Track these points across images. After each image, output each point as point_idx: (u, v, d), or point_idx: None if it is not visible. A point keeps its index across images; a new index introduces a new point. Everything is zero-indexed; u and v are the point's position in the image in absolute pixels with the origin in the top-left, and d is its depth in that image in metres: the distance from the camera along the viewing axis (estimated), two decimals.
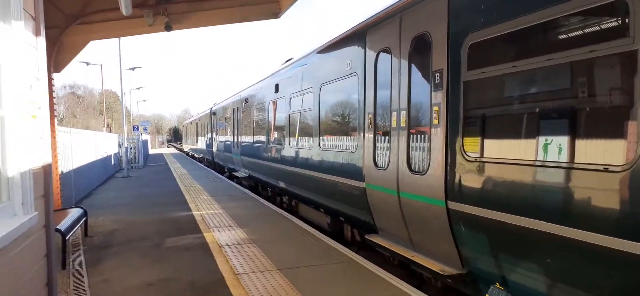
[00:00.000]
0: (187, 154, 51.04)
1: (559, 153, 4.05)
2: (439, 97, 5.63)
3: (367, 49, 7.58)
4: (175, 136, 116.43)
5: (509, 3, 4.59)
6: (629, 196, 3.51)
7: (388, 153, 6.88)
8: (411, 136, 6.33)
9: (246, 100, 17.90)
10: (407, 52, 6.42)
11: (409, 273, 7.01)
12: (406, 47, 6.44)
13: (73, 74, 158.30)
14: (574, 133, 3.96)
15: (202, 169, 28.04)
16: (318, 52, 10.07)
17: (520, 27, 4.44)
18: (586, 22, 3.94)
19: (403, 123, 6.47)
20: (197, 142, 40.21)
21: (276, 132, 13.53)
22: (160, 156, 48.21)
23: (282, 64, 13.68)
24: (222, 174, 23.66)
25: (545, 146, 4.20)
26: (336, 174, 8.72)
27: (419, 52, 6.16)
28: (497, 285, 4.92)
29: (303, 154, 10.79)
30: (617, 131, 3.64)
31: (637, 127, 3.45)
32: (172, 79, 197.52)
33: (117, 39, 24.95)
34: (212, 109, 29.13)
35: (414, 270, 6.70)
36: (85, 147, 16.19)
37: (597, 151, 3.78)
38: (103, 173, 21.51)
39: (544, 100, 4.35)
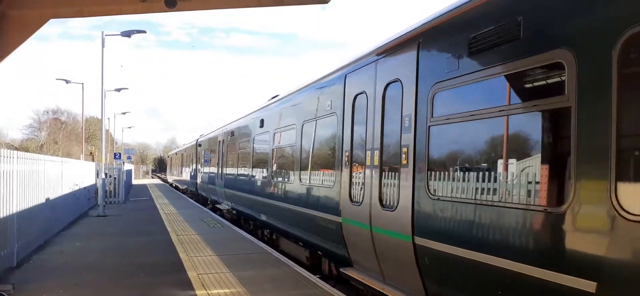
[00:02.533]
0: (171, 185, 49.85)
1: (507, 193, 4.59)
2: (408, 139, 6.09)
3: (345, 91, 8.06)
4: (160, 166, 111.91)
5: (469, 58, 5.13)
6: (566, 233, 3.96)
7: (362, 189, 7.26)
8: (383, 173, 6.76)
9: (232, 133, 18.25)
10: (381, 96, 6.93)
11: None
12: (380, 91, 6.95)
13: (57, 98, 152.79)
14: (518, 177, 4.49)
15: (193, 207, 23.62)
16: (302, 91, 10.59)
17: (477, 80, 5.00)
18: (529, 80, 4.47)
19: (376, 162, 6.91)
20: (181, 173, 40.20)
21: (260, 166, 13.68)
22: (144, 188, 43.49)
23: (268, 100, 14.12)
24: (205, 206, 23.46)
25: (493, 187, 4.76)
26: (315, 208, 9.04)
27: (392, 97, 6.68)
28: None
29: (285, 187, 11.13)
30: (555, 177, 4.14)
31: (570, 173, 3.90)
32: (161, 106, 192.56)
33: (100, 41, 20.83)
34: (198, 140, 29.26)
35: None
36: (40, 179, 11.89)
37: (538, 193, 4.25)
38: (73, 210, 17.05)
39: (492, 146, 4.95)
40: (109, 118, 77.19)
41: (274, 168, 12.20)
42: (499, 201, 4.66)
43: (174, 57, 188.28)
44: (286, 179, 11.07)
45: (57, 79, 34.63)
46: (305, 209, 9.54)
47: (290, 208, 10.42)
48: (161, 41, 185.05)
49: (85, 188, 20.76)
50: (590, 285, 3.59)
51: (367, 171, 7.14)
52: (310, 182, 9.58)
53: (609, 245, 3.57)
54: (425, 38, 6.02)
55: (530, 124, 4.52)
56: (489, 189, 4.83)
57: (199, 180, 27.74)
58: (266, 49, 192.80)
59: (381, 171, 6.78)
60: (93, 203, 21.92)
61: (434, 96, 5.66)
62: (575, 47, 3.92)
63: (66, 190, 15.71)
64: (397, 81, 6.52)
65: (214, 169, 22.15)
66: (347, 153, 7.88)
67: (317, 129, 9.46)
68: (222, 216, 18.78)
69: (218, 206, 20.61)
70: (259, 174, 13.55)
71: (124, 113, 55.34)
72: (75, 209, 17.55)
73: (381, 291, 6.64)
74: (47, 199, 12.68)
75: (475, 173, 5.05)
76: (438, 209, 5.47)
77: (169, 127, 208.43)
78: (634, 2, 3.54)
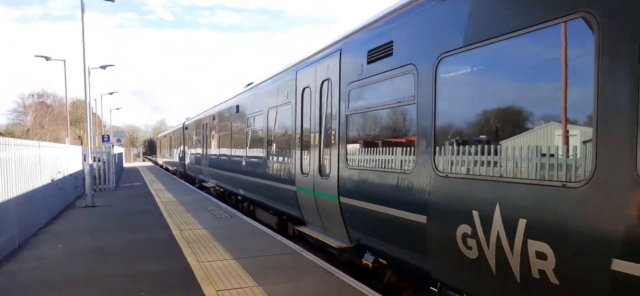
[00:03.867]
0: (161, 166, 51.92)
1: (388, 163, 6.46)
2: (335, 124, 8.06)
3: (296, 84, 9.94)
4: (151, 149, 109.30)
5: (367, 66, 6.96)
6: (413, 187, 5.78)
7: (309, 163, 9.17)
8: (321, 151, 8.68)
9: (214, 117, 20.01)
10: (318, 91, 8.82)
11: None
12: (318, 87, 8.83)
13: (42, 82, 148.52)
14: (394, 152, 6.33)
15: (192, 192, 21.43)
16: (267, 81, 12.46)
17: (371, 83, 6.92)
18: (397, 84, 6.24)
19: (317, 142, 8.85)
20: (171, 155, 41.82)
21: (236, 146, 15.55)
22: (136, 172, 41.11)
23: (244, 87, 15.61)
24: (193, 185, 25.07)
25: (382, 159, 6.63)
26: (279, 181, 10.97)
27: (325, 92, 8.54)
28: (368, 253, 7.24)
29: (256, 164, 12.95)
30: (406, 151, 6.03)
31: (414, 149, 5.79)
32: (148, 87, 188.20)
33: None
34: (185, 124, 30.88)
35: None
36: (10, 168, 9.67)
37: (401, 163, 6.17)
38: (56, 201, 14.81)
39: (380, 129, 6.89)
40: (95, 99, 74.33)
41: (248, 148, 14.06)
42: (383, 168, 6.53)
43: (159, 37, 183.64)
44: (257, 158, 12.97)
45: (36, 56, 31.81)
46: (272, 182, 11.48)
47: (261, 182, 12.48)
48: (145, 20, 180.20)
49: (71, 175, 18.47)
50: (423, 218, 5.57)
51: (312, 149, 9.05)
52: (275, 159, 11.42)
53: (431, 193, 5.47)
54: (345, 47, 7.86)
55: (398, 115, 6.40)
56: (379, 160, 6.69)
57: (187, 161, 29.57)
58: (253, 26, 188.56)
59: (320, 148, 8.70)
60: (81, 191, 19.64)
61: (349, 93, 7.59)
62: (418, 62, 5.73)
63: (46, 179, 13.46)
64: (328, 79, 8.38)
65: (199, 151, 24.03)
66: (298, 135, 9.76)
67: (278, 115, 11.25)
68: (223, 200, 16.57)
69: (204, 184, 22.85)
70: (237, 154, 15.49)
71: (111, 93, 52.56)
72: (58, 201, 15.31)
73: (322, 240, 8.59)
74: (21, 194, 10.46)
75: (372, 148, 6.92)
76: (352, 176, 7.40)
77: (158, 109, 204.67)
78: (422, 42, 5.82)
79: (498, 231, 4.45)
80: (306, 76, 9.45)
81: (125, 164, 57.97)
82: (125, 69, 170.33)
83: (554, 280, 3.91)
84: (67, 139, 30.29)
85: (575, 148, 3.87)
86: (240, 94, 15.81)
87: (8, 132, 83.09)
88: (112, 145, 29.68)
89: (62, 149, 16.80)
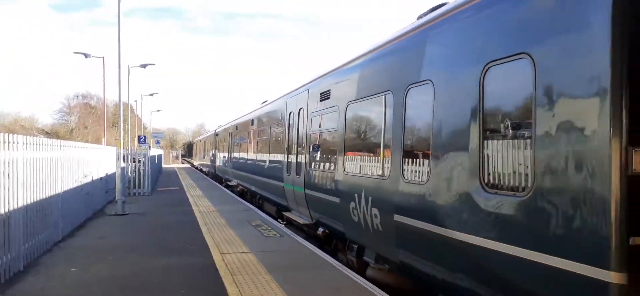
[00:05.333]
0: (196, 168, 57.22)
1: (327, 167, 9.63)
2: (303, 139, 11.49)
3: (286, 109, 13.43)
4: (189, 151, 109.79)
5: (319, 102, 10.40)
6: (336, 182, 8.86)
7: (291, 166, 12.39)
8: (297, 157, 11.87)
9: (236, 127, 24.48)
10: (296, 115, 12.24)
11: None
12: (296, 113, 12.25)
13: (86, 84, 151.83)
14: (330, 159, 9.54)
15: (231, 200, 19.38)
16: (270, 104, 16.62)
17: (320, 114, 10.38)
18: (333, 117, 9.58)
19: (295, 151, 12.16)
20: (204, 158, 47.68)
21: (250, 152, 19.90)
22: (174, 175, 39.74)
23: (260, 104, 19.29)
24: (221, 184, 29.07)
25: (325, 164, 9.82)
26: (274, 179, 14.38)
27: (301, 117, 11.83)
28: (320, 227, 10.33)
29: (262, 167, 16.72)
30: (336, 160, 9.01)
31: (338, 158, 8.90)
32: (190, 89, 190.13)
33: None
34: (216, 131, 36.21)
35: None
36: (18, 174, 7.73)
37: (331, 166, 9.36)
38: (80, 209, 12.97)
39: (323, 145, 10.30)
40: (136, 100, 74.11)
41: (257, 154, 17.88)
42: (325, 170, 9.68)
43: (199, 43, 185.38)
44: (262, 162, 16.54)
45: (75, 52, 30.73)
46: (271, 180, 14.80)
47: (265, 180, 15.91)
48: (186, 27, 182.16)
49: (101, 179, 16.71)
50: (338, 200, 8.73)
51: (291, 156, 12.55)
52: (273, 163, 14.79)
53: (341, 184, 8.66)
54: (310, 88, 11.25)
55: (331, 137, 9.67)
56: (323, 165, 9.93)
57: (216, 163, 34.16)
58: (290, 33, 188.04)
59: (296, 156, 12.04)
60: (112, 196, 17.88)
61: (311, 119, 11.02)
62: (339, 105, 9.07)
63: (69, 184, 11.59)
64: (301, 108, 11.82)
65: (226, 154, 28.20)
66: (286, 146, 13.15)
67: (277, 130, 14.81)
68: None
69: (229, 183, 26.89)
70: (250, 157, 19.50)
71: (152, 94, 51.61)
72: (84, 208, 13.47)
73: (297, 220, 11.78)
74: (32, 202, 8.52)
75: (320, 157, 10.24)
76: (312, 175, 10.50)
77: (198, 113, 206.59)
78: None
79: (364, 205, 7.54)
80: (290, 104, 13.13)
81: (164, 165, 58.32)
82: (168, 73, 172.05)
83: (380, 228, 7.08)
84: (103, 139, 28.92)
85: (385, 160, 7.09)
86: (254, 110, 20.07)
87: (53, 132, 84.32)
88: (149, 147, 28.10)
89: (91, 150, 15.02)
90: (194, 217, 14.13)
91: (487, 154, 4.76)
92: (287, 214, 12.93)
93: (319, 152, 10.37)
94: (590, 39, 3.77)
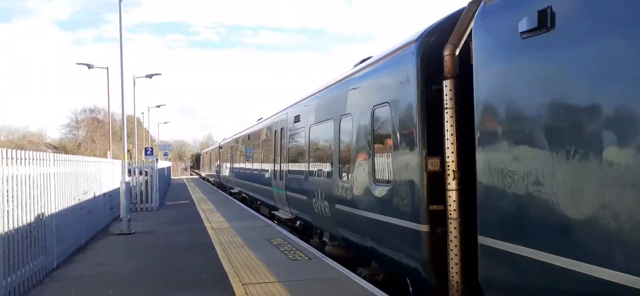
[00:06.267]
0: (204, 178, 61.21)
1: (299, 173, 12.66)
2: (284, 151, 14.44)
3: (273, 127, 16.64)
4: (198, 163, 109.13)
5: (294, 124, 13.56)
6: (304, 182, 11.85)
7: (276, 173, 15.35)
8: (281, 165, 14.71)
9: (237, 141, 28.24)
10: (280, 133, 15.30)
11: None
12: (279, 131, 15.38)
13: (94, 98, 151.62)
14: (301, 167, 12.53)
15: (247, 216, 17.90)
16: (262, 122, 20.00)
17: (295, 132, 13.51)
18: (301, 135, 12.79)
19: (279, 161, 15.08)
20: (210, 168, 51.53)
21: (248, 162, 23.52)
22: (182, 186, 38.37)
23: (256, 121, 22.70)
24: (225, 192, 32.25)
25: (297, 169, 12.84)
26: (264, 184, 17.76)
27: (282, 134, 14.91)
28: (298, 220, 12.94)
29: (256, 175, 19.99)
30: (305, 167, 11.93)
31: (307, 165, 11.76)
32: (196, 103, 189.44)
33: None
34: (220, 144, 40.29)
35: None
36: (7, 190, 6.32)
37: (302, 171, 12.31)
38: (81, 230, 11.56)
39: (297, 156, 13.01)
40: (143, 112, 73.07)
41: (253, 164, 21.36)
42: (298, 176, 12.41)
43: (205, 56, 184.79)
44: (257, 170, 19.74)
45: (77, 63, 29.51)
46: (263, 185, 18.14)
47: (258, 185, 19.34)
48: (191, 41, 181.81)
49: (105, 194, 15.31)
50: (306, 197, 11.56)
51: (277, 165, 15.38)
52: (263, 172, 18.22)
53: (307, 184, 11.56)
54: (288, 111, 14.29)
55: (300, 150, 12.52)
56: (296, 171, 12.72)
57: (221, 173, 37.64)
58: (295, 45, 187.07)
59: (280, 164, 14.81)
60: (118, 212, 16.47)
61: (289, 135, 13.92)
62: (306, 126, 12.08)
63: (66, 204, 10.18)
64: (283, 127, 14.76)
65: (228, 165, 31.87)
66: (273, 157, 16.19)
67: (267, 144, 18.10)
68: (293, 231, 13.56)
69: (232, 190, 29.92)
70: (247, 167, 23.16)
71: (159, 106, 50.49)
72: (85, 228, 12.06)
73: (282, 216, 14.57)
74: (16, 228, 7.09)
75: (294, 165, 13.05)
76: (290, 179, 13.23)
77: (205, 125, 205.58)
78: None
79: (320, 199, 10.20)
80: (275, 123, 16.18)
81: (173, 177, 58.60)
82: (174, 86, 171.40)
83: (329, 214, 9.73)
84: (108, 152, 27.58)
85: (330, 165, 9.88)
86: (250, 127, 23.73)
87: (61, 146, 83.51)
88: (157, 159, 26.71)
89: (92, 164, 13.62)
90: (207, 235, 12.65)
91: (377, 161, 7.55)
92: (276, 213, 15.75)
93: (294, 161, 13.21)
94: (408, 94, 6.39)
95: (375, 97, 7.49)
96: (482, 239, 4.90)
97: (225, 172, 33.45)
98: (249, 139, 22.81)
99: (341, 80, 9.63)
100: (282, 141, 14.67)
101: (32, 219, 7.97)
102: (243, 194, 25.36)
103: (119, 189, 16.51)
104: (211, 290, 7.32)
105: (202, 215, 17.62)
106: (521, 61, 4.40)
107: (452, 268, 5.67)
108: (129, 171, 20.28)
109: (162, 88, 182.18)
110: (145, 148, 31.63)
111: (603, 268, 3.52)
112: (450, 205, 5.66)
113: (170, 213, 19.28)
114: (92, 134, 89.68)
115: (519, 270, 4.45)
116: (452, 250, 5.65)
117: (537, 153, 4.17)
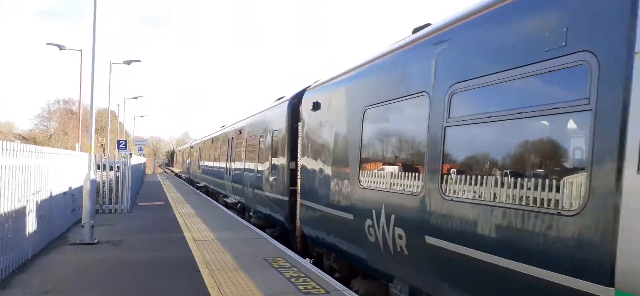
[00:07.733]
0: (176, 175, 63.65)
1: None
2: (233, 155, 19.88)
3: (226, 136, 22.06)
4: (172, 160, 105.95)
5: (238, 136, 19.69)
6: (228, 175, 20.86)
7: (227, 169, 20.72)
8: (229, 164, 20.23)
9: (204, 144, 32.70)
10: (230, 142, 20.91)
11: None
12: (230, 141, 21.13)
13: (69, 89, 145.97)
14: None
15: (237, 224, 15.59)
16: (220, 131, 25.08)
17: (237, 141, 19.79)
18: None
19: (229, 161, 20.55)
20: (182, 165, 55.89)
21: (210, 161, 27.95)
22: (156, 185, 35.67)
23: (219, 127, 27.69)
24: (193, 186, 35.70)
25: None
26: (221, 178, 22.58)
27: (229, 143, 21.02)
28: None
29: (216, 171, 24.82)
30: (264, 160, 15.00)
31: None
32: (175, 98, 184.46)
33: None
34: (191, 144, 45.30)
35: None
36: None
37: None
38: (27, 241, 9.15)
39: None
40: (118, 104, 69.56)
41: (214, 163, 26.37)
42: (241, 170, 17.69)
43: (185, 51, 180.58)
44: (217, 167, 24.84)
45: (48, 43, 26.70)
46: (220, 179, 22.83)
47: (218, 180, 24.03)
48: (171, 34, 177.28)
49: (65, 194, 12.83)
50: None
51: (227, 164, 20.33)
52: (220, 168, 23.02)
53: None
54: (235, 126, 19.98)
55: (243, 154, 17.95)
56: (239, 168, 18.29)
57: (191, 170, 41.92)
58: (283, 44, 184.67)
59: (229, 163, 19.69)
60: (80, 215, 13.93)
61: (236, 143, 19.17)
62: (244, 135, 18.15)
63: (10, 206, 7.77)
64: (232, 137, 20.18)
65: (197, 162, 36.03)
66: (225, 158, 20.82)
67: (222, 149, 23.11)
68: (290, 248, 11.38)
69: (198, 185, 34.01)
70: (210, 165, 28.14)
71: (136, 98, 47.48)
72: (35, 237, 9.63)
73: (230, 201, 19.45)
74: None
75: (239, 163, 18.14)
76: (234, 174, 18.76)
77: (183, 121, 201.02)
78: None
79: (248, 187, 16.68)
80: (229, 132, 21.76)
81: (147, 172, 58.06)
82: (153, 80, 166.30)
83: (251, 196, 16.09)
84: (77, 144, 24.87)
85: (255, 164, 16.09)
86: (214, 133, 28.47)
87: (30, 138, 79.06)
88: (130, 154, 24.10)
89: (50, 157, 11.15)
90: (188, 250, 10.34)
91: (271, 162, 13.80)
92: (227, 199, 20.56)
93: (237, 161, 18.24)
94: (283, 127, 12.64)
95: (273, 125, 13.70)
96: (301, 201, 10.54)
97: (194, 168, 39.18)
98: (212, 142, 28.13)
99: (265, 110, 15.43)
100: (231, 147, 20.60)
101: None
102: (208, 188, 29.74)
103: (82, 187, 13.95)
104: None
105: (180, 221, 15.24)
106: (312, 118, 9.91)
107: (298, 218, 10.97)
108: (99, 166, 17.72)
109: (140, 81, 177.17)
110: (118, 141, 28.94)
111: (324, 206, 9.05)
112: (298, 186, 10.77)
113: (144, 216, 16.79)
114: (65, 125, 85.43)
115: (311, 212, 9.81)
116: (298, 208, 10.89)
117: (317, 161, 9.46)
